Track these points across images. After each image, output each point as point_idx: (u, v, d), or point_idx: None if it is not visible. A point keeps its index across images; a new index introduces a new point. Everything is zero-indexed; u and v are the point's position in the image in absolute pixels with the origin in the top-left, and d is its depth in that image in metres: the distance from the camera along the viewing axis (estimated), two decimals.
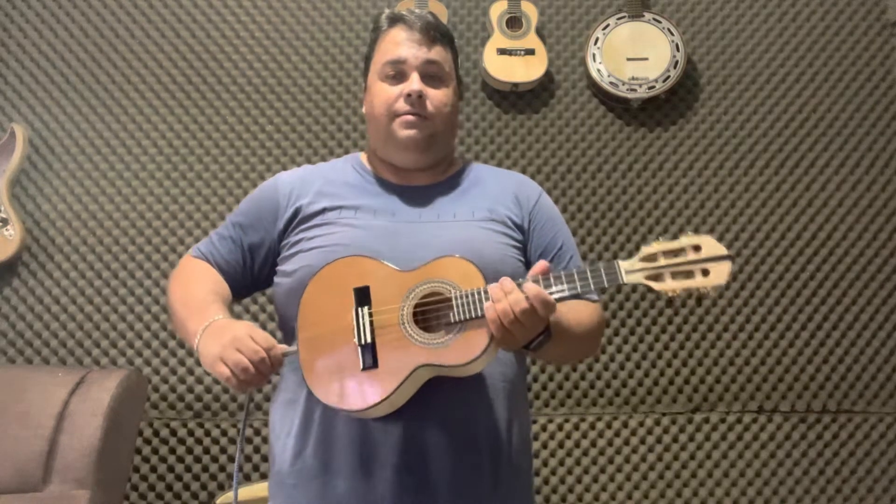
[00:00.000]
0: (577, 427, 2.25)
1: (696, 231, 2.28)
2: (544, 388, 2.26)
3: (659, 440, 2.25)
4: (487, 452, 1.14)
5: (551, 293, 1.00)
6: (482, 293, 1.03)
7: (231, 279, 1.27)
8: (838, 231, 2.34)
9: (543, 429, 2.25)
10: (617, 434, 2.25)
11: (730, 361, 2.28)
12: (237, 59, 2.40)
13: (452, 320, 1.04)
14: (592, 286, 1.01)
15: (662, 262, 0.97)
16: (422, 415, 1.10)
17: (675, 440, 2.25)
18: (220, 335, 1.09)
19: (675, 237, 0.99)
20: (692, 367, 2.28)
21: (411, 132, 1.23)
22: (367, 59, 1.32)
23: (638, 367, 2.28)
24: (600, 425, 2.25)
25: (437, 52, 1.26)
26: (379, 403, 1.04)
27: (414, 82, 1.23)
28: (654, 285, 0.97)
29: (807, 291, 2.31)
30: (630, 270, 0.99)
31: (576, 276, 1.01)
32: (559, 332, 1.09)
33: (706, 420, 2.26)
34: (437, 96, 1.25)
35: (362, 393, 1.05)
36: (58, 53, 2.37)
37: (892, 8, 2.44)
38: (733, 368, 2.28)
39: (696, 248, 0.96)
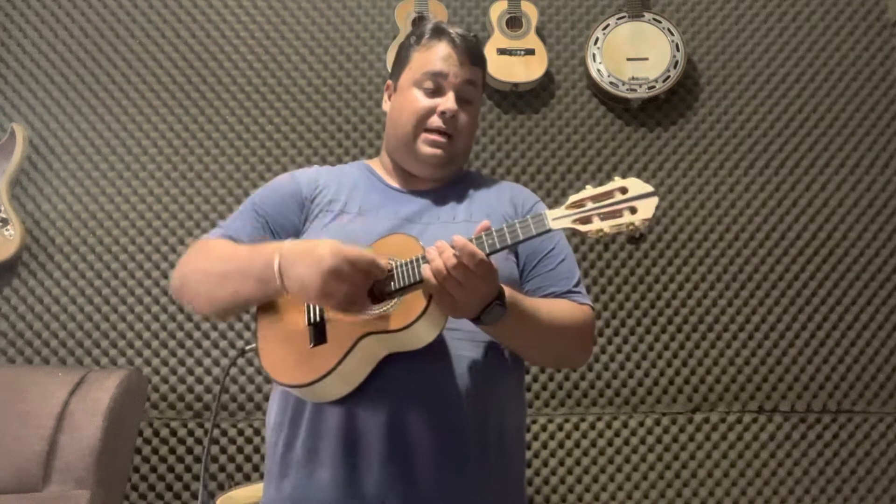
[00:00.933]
0: (577, 427, 2.25)
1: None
2: (544, 388, 2.26)
3: (659, 440, 2.25)
4: (476, 445, 1.15)
5: (482, 247, 1.02)
6: (419, 259, 1.05)
7: None
8: (838, 231, 2.34)
9: (543, 429, 2.25)
10: (617, 434, 2.25)
11: (730, 361, 2.28)
12: (237, 59, 2.40)
13: (393, 289, 1.07)
14: (521, 235, 1.02)
15: (590, 206, 0.99)
16: (407, 404, 1.11)
17: (675, 440, 2.25)
18: (312, 261, 1.03)
19: (602, 183, 1.01)
20: (692, 367, 2.28)
21: (435, 151, 1.27)
22: (401, 61, 1.34)
23: (638, 367, 2.28)
24: (600, 425, 2.25)
25: (475, 74, 1.31)
26: (325, 376, 1.06)
27: (450, 101, 1.26)
28: (582, 228, 0.98)
29: (807, 291, 2.31)
30: (557, 217, 1.00)
31: (505, 229, 1.03)
32: (521, 312, 1.10)
33: (706, 420, 2.26)
34: (465, 118, 1.29)
35: (310, 368, 1.08)
36: (58, 53, 2.37)
37: (892, 8, 2.44)
38: (733, 368, 2.28)
39: (623, 190, 0.99)
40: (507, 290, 1.08)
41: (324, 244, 1.05)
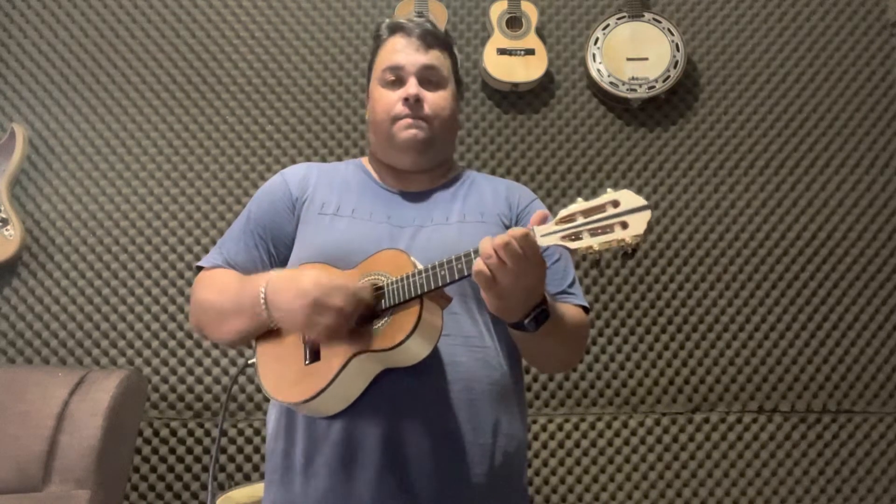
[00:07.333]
0: (577, 427, 2.25)
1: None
2: (544, 388, 2.26)
3: (659, 440, 2.25)
4: (473, 456, 1.13)
5: (469, 263, 1.00)
6: (410, 277, 1.05)
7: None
8: (838, 231, 2.34)
9: (543, 429, 2.24)
10: (617, 434, 2.25)
11: (730, 361, 2.28)
12: (237, 59, 2.40)
13: (384, 307, 1.07)
14: None
15: (580, 220, 0.96)
16: (402, 415, 1.11)
17: (675, 440, 2.25)
18: (296, 294, 1.07)
19: (591, 196, 0.97)
20: (692, 367, 2.28)
21: (411, 132, 1.26)
22: (370, 67, 1.35)
23: (638, 367, 2.28)
24: (600, 425, 2.25)
25: (434, 57, 1.30)
26: (319, 394, 1.06)
27: (411, 86, 1.26)
28: (571, 245, 0.95)
29: (807, 291, 2.31)
30: (545, 234, 0.97)
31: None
32: (556, 318, 1.10)
33: (706, 420, 2.26)
34: (435, 99, 1.28)
35: (306, 386, 1.08)
36: (58, 53, 2.37)
37: (892, 8, 2.44)
38: (733, 368, 2.28)
39: (615, 204, 0.94)
40: (547, 296, 1.07)
41: (307, 276, 1.07)
